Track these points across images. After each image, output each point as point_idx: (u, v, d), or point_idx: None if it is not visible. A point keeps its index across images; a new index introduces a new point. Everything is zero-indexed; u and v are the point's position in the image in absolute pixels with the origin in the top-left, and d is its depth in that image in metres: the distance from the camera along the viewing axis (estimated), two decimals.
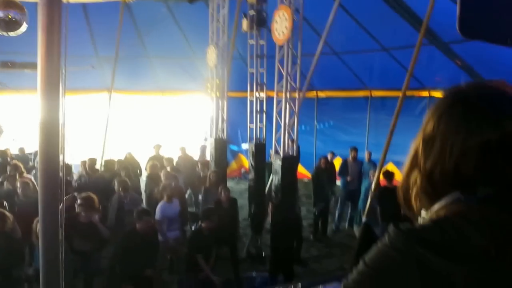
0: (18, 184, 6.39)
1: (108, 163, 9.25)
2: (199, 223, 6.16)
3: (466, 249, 0.76)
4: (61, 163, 1.94)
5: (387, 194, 6.88)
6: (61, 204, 2.01)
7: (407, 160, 0.94)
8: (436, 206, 0.87)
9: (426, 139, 0.89)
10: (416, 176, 0.91)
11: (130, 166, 9.20)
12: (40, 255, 2.14)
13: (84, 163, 8.68)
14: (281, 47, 6.79)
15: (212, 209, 6.19)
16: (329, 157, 10.31)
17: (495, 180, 0.82)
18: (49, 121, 1.80)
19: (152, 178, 8.45)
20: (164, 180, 7.41)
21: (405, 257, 0.78)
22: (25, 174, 7.69)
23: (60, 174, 1.96)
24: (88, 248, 5.56)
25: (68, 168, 8.24)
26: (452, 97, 0.90)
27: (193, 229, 8.21)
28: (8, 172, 7.46)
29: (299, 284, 1.89)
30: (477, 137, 0.82)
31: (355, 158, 9.70)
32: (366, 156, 10.31)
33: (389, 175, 7.45)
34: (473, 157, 0.82)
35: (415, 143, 0.92)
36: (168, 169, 8.57)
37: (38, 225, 4.49)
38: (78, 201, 5.55)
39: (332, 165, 9.86)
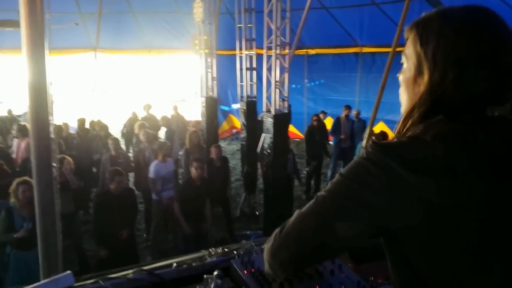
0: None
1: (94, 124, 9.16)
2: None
3: (432, 163, 0.80)
4: (50, 123, 1.93)
5: None
6: (55, 164, 2.02)
7: (413, 78, 0.91)
8: (420, 126, 0.87)
9: (461, 64, 0.84)
10: (425, 98, 0.89)
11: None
12: (37, 217, 2.16)
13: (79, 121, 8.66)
14: (269, 0, 6.61)
15: (201, 159, 6.14)
16: (321, 116, 10.42)
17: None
18: (36, 82, 1.76)
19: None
20: (146, 139, 7.34)
21: (378, 167, 0.82)
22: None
23: (51, 135, 1.95)
24: (70, 210, 5.54)
25: (63, 127, 8.18)
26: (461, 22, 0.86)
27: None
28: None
29: None
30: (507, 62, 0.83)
31: (348, 116, 9.77)
32: (354, 115, 10.34)
33: (382, 137, 7.31)
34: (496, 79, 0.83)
35: (435, 67, 0.86)
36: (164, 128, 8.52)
37: (19, 188, 4.45)
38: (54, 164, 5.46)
39: (323, 124, 9.93)
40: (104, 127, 8.80)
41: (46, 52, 1.76)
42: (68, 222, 5.34)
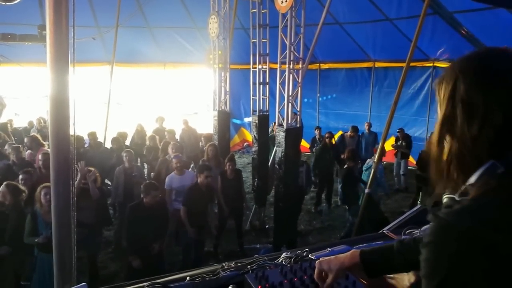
0: (40, 156, 6.42)
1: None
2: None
3: (508, 218, 0.76)
4: (71, 134, 1.97)
5: None
6: (73, 177, 2.05)
7: (437, 126, 0.92)
8: (472, 179, 0.85)
9: (465, 103, 0.85)
10: (451, 144, 0.88)
11: (139, 139, 9.32)
12: (53, 224, 2.19)
13: (91, 135, 8.76)
14: (284, 16, 6.69)
15: (207, 165, 6.25)
16: (317, 133, 10.69)
17: None
18: (59, 95, 1.81)
19: (151, 150, 8.54)
20: (173, 151, 7.46)
21: (469, 241, 0.76)
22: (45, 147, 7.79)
23: (71, 146, 1.99)
24: (91, 221, 5.60)
25: (80, 139, 8.27)
26: (483, 62, 0.88)
27: None
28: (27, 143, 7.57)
29: (307, 249, 1.94)
30: None
31: (352, 136, 9.90)
32: (366, 127, 10.43)
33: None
34: None
35: (445, 108, 0.89)
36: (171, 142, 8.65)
37: (41, 193, 4.60)
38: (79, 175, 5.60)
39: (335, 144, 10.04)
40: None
41: (70, 66, 1.81)
42: (87, 231, 5.42)
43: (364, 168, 7.72)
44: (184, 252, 6.18)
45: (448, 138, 0.89)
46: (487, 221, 0.76)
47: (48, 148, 7.56)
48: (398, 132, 10.06)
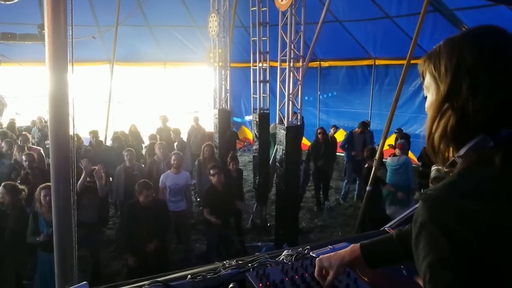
0: (24, 157, 6.36)
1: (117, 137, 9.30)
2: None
3: (491, 189, 0.77)
4: (71, 133, 1.97)
5: None
6: (73, 175, 2.05)
7: (438, 100, 0.91)
8: (462, 151, 0.86)
9: (473, 77, 0.84)
10: (449, 117, 0.88)
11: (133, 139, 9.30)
12: (53, 223, 2.19)
13: (93, 133, 8.77)
14: (284, 14, 6.68)
15: (212, 165, 6.28)
16: (332, 130, 10.49)
17: None
18: (58, 94, 1.80)
19: (151, 149, 8.54)
20: (160, 151, 7.42)
21: (442, 210, 0.79)
22: (33, 146, 7.77)
23: (71, 145, 1.99)
24: (93, 220, 5.63)
25: (78, 139, 8.25)
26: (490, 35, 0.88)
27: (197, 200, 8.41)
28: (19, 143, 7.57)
29: (308, 246, 1.93)
30: None
31: (362, 132, 9.83)
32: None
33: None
34: None
35: (450, 81, 0.88)
36: (176, 141, 8.67)
37: (41, 193, 4.63)
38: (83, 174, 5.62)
39: (332, 138, 9.92)
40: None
41: (69, 65, 1.81)
42: (90, 231, 5.43)
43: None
44: (209, 249, 6.28)
45: (448, 111, 0.88)
46: (458, 192, 0.79)
47: (33, 145, 7.64)
48: (396, 132, 10.03)
